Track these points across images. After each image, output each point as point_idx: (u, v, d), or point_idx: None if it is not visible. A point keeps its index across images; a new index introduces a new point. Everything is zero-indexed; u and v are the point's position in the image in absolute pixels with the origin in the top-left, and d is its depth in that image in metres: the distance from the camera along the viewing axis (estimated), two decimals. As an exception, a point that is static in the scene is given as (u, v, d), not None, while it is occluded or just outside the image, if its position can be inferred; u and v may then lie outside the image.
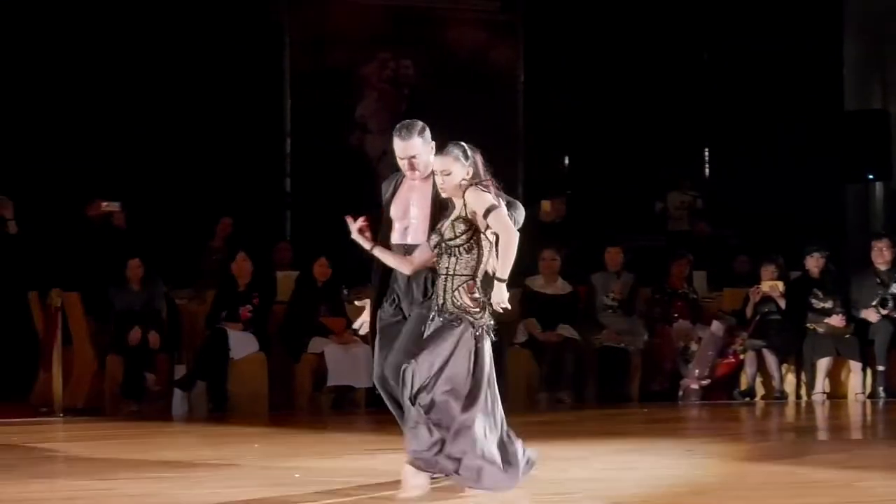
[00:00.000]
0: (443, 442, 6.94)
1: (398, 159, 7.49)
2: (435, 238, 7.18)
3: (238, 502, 6.90)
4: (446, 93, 15.75)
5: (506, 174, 15.57)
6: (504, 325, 13.03)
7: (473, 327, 7.09)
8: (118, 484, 7.61)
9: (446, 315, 7.06)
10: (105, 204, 13.28)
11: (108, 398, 12.30)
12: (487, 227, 7.07)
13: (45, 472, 8.07)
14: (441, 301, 7.08)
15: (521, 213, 7.43)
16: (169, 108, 14.64)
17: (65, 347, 12.30)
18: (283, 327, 12.83)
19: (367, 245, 7.43)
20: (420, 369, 6.98)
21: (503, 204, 7.11)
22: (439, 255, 7.15)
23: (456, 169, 7.09)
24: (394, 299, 7.52)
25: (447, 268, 7.08)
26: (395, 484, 7.26)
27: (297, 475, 7.87)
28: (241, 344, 12.39)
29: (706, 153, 16.94)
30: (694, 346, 13.23)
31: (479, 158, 7.17)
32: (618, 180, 15.83)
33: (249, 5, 15.28)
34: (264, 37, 15.41)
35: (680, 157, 16.44)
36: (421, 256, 7.32)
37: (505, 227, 7.07)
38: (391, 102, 15.77)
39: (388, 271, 7.53)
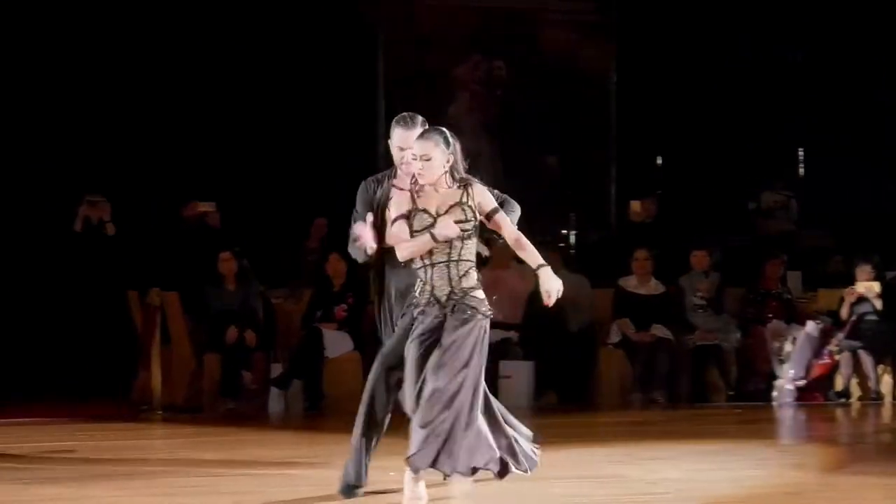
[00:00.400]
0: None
1: (394, 150, 7.21)
2: (426, 219, 6.79)
3: (331, 500, 6.93)
4: (538, 93, 15.71)
5: (598, 174, 15.76)
6: (597, 325, 13.14)
7: (482, 322, 6.81)
8: (214, 481, 7.68)
9: (464, 313, 6.75)
10: (200, 205, 13.40)
11: (206, 396, 12.42)
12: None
13: (143, 470, 8.15)
14: (448, 290, 6.76)
15: (516, 213, 7.22)
16: (263, 109, 14.74)
17: (163, 346, 12.44)
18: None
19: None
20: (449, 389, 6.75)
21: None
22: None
23: (437, 155, 6.81)
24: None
25: (449, 253, 6.76)
26: (490, 482, 7.28)
27: (391, 473, 7.88)
28: (336, 343, 12.46)
29: (800, 153, 16.76)
30: (788, 347, 13.11)
31: (458, 147, 6.91)
32: (711, 180, 15.72)
33: (343, 8, 15.33)
34: (358, 39, 15.45)
35: (774, 157, 16.28)
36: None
37: (512, 230, 6.90)
38: (483, 103, 15.76)
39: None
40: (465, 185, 6.86)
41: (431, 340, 6.80)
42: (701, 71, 15.80)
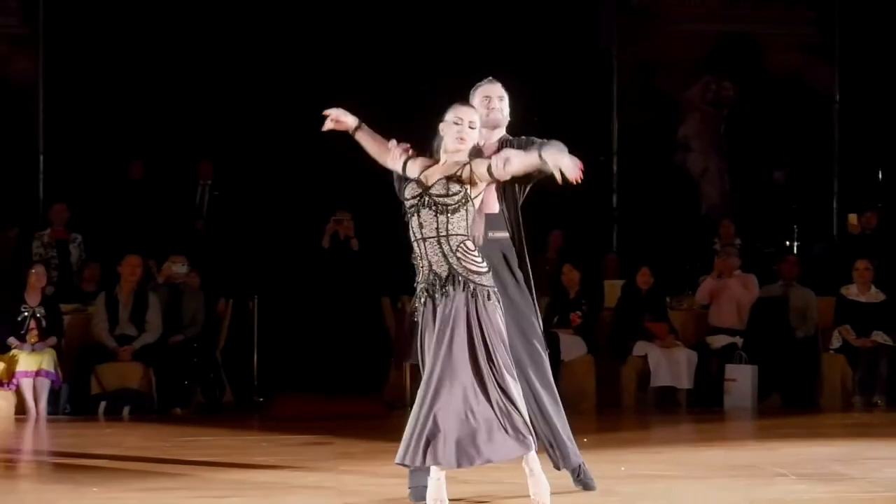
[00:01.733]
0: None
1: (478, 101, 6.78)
2: (414, 188, 6.40)
3: (565, 492, 6.92)
4: (764, 112, 15.52)
5: (821, 188, 15.43)
6: (820, 332, 12.88)
7: (483, 293, 6.31)
8: (460, 473, 7.72)
9: (465, 288, 6.26)
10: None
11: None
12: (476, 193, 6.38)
13: (387, 458, 8.25)
14: (446, 266, 6.32)
15: (552, 144, 6.53)
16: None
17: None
18: (611, 332, 12.86)
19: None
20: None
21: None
22: (417, 210, 6.38)
23: (478, 127, 6.52)
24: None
25: (437, 228, 6.32)
26: (716, 474, 7.19)
27: (622, 468, 7.88)
28: (571, 347, 12.47)
29: None
30: None
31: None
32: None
33: (581, 33, 15.34)
34: (594, 62, 15.45)
35: None
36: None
37: (501, 158, 6.30)
38: (712, 122, 15.64)
39: None
40: (466, 163, 6.40)
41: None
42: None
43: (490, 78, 6.99)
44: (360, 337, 13.19)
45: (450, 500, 6.43)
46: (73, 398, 11.96)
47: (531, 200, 14.64)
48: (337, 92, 14.29)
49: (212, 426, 10.79)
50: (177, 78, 14.47)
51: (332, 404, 12.50)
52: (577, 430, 7.06)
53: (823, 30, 15.65)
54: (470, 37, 14.74)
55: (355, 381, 13.12)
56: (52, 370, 11.79)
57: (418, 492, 6.58)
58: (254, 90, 14.52)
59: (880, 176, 15.85)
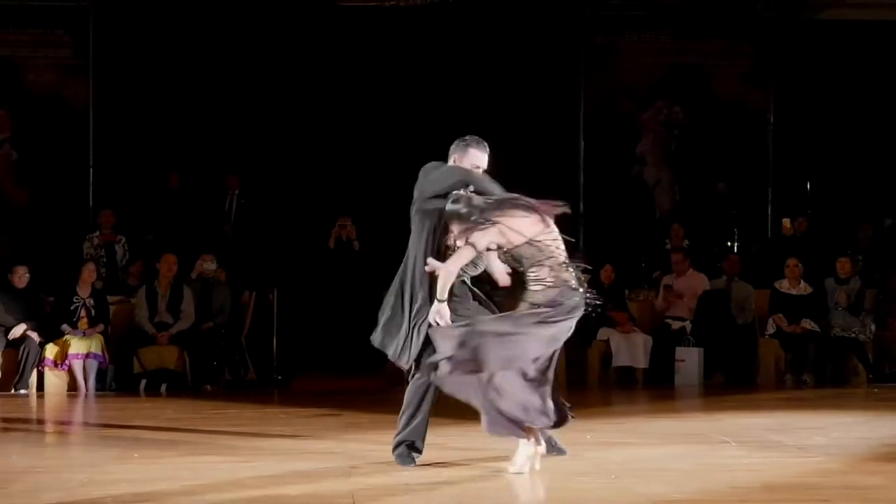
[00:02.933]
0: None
1: (477, 168, 6.81)
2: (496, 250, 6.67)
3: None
4: (709, 131, 15.52)
5: (758, 197, 15.43)
6: (757, 319, 12.87)
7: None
8: (448, 440, 7.71)
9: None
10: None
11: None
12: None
13: (389, 427, 8.23)
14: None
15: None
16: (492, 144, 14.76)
17: (409, 334, 12.55)
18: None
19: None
20: None
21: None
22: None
23: None
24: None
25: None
26: (669, 441, 7.14)
27: (588, 436, 7.86)
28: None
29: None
30: (917, 337, 12.63)
31: None
32: (853, 200, 15.28)
33: (553, 65, 15.31)
34: (564, 89, 15.41)
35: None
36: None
37: None
38: (663, 141, 15.63)
39: None
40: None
41: None
42: (845, 111, 15.38)
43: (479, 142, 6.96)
44: (364, 324, 13.11)
45: (433, 463, 6.40)
46: (118, 377, 11.93)
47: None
48: (337, 124, 14.50)
49: (237, 401, 10.77)
50: (209, 104, 14.52)
51: (340, 382, 12.47)
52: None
53: (759, 62, 15.66)
54: (462, 71, 14.75)
55: (360, 362, 13.06)
56: (99, 353, 11.76)
57: (402, 459, 6.71)
58: (273, 118, 14.62)
59: (809, 186, 15.86)
